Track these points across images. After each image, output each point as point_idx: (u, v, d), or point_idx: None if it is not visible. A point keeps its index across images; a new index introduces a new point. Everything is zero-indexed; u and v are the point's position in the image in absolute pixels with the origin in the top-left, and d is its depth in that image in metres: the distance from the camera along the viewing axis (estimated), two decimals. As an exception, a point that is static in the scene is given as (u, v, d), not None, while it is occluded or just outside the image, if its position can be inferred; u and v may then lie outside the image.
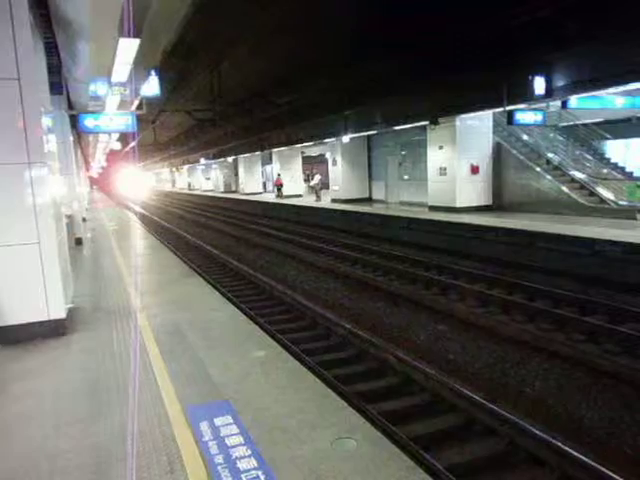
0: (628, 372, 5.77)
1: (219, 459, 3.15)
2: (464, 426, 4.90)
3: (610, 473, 3.85)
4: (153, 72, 10.94)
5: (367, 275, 11.15)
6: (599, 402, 5.40)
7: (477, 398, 5.00)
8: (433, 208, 17.83)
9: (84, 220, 18.72)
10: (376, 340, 6.80)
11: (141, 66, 9.28)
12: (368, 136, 23.69)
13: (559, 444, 4.24)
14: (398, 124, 17.97)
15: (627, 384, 5.65)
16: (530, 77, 11.79)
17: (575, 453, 4.12)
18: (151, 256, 11.71)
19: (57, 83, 11.72)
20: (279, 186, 32.88)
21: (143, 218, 25.97)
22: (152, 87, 11.42)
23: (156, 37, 7.31)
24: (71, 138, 14.03)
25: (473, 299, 8.99)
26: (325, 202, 25.14)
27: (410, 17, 12.51)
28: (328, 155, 26.19)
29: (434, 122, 16.18)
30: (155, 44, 7.91)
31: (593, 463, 3.98)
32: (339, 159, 24.58)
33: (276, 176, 32.92)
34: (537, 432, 4.41)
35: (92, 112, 12.39)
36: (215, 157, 36.79)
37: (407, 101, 16.77)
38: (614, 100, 15.13)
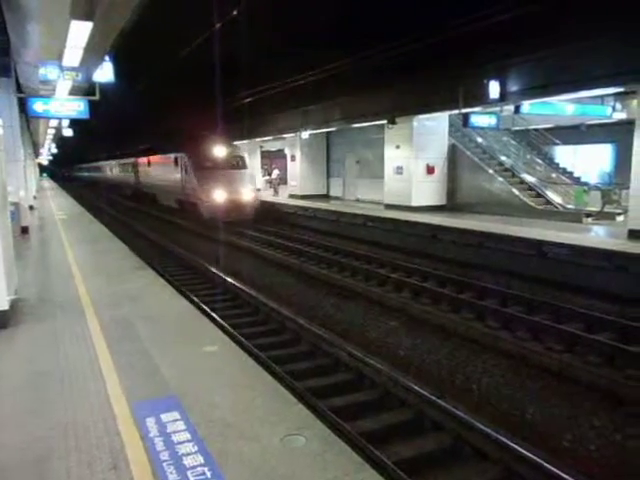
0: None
1: (165, 456, 3.09)
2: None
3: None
4: (107, 58, 10.60)
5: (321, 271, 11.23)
6: (542, 397, 5.59)
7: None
8: (389, 206, 18.02)
9: (31, 208, 18.04)
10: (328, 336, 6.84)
11: (96, 51, 8.98)
12: (327, 133, 23.72)
13: (503, 439, 4.37)
14: (356, 122, 18.09)
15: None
16: (486, 81, 12.05)
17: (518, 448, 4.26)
18: (101, 246, 11.37)
19: (5, 65, 11.24)
20: None
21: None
22: (106, 73, 11.08)
23: (111, 21, 7.08)
24: (19, 122, 13.47)
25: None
26: (282, 197, 25.08)
27: (371, 18, 12.61)
28: (287, 150, 26.07)
29: (392, 121, 16.34)
30: (110, 28, 7.67)
31: (536, 458, 4.13)
32: (298, 155, 24.53)
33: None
34: (482, 427, 4.53)
35: (42, 96, 11.94)
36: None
37: (366, 100, 16.88)
38: (564, 107, 15.63)
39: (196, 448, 3.17)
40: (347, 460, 3.08)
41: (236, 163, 20.28)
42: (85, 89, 12.30)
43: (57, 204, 24.12)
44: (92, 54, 8.58)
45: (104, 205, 26.78)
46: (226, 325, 7.30)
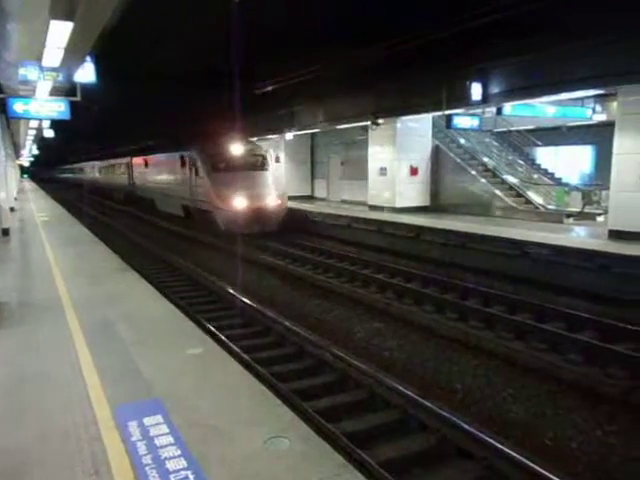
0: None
1: (147, 459, 3.06)
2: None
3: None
4: (89, 58, 10.47)
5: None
6: (524, 396, 5.65)
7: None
8: (373, 207, 18.06)
9: (12, 210, 17.81)
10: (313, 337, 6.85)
11: (76, 51, 8.86)
12: (312, 134, 23.73)
13: (486, 437, 4.41)
14: (340, 123, 18.12)
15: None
16: (468, 83, 12.13)
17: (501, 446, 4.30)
18: (84, 248, 11.24)
19: (-16, 65, 11.04)
20: None
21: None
22: (87, 74, 10.93)
23: (92, 21, 6.99)
24: (-1, 123, 13.30)
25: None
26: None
27: (355, 19, 12.62)
28: (271, 151, 26.00)
29: (375, 123, 16.39)
30: (91, 28, 7.57)
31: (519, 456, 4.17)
32: (282, 156, 24.52)
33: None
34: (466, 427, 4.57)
35: (22, 96, 11.76)
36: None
37: (350, 101, 16.90)
38: (545, 109, 15.83)
39: (179, 451, 3.15)
40: (331, 461, 3.08)
41: (258, 163, 17.39)
42: (66, 89, 12.13)
43: (38, 206, 23.82)
44: (73, 54, 8.46)
45: (87, 207, 26.47)
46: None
